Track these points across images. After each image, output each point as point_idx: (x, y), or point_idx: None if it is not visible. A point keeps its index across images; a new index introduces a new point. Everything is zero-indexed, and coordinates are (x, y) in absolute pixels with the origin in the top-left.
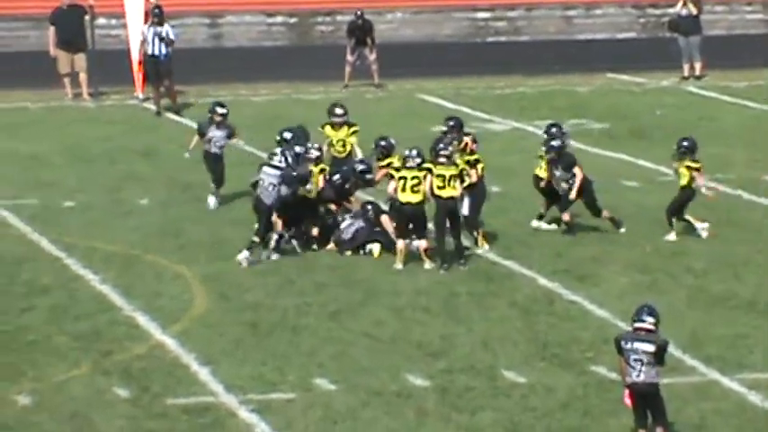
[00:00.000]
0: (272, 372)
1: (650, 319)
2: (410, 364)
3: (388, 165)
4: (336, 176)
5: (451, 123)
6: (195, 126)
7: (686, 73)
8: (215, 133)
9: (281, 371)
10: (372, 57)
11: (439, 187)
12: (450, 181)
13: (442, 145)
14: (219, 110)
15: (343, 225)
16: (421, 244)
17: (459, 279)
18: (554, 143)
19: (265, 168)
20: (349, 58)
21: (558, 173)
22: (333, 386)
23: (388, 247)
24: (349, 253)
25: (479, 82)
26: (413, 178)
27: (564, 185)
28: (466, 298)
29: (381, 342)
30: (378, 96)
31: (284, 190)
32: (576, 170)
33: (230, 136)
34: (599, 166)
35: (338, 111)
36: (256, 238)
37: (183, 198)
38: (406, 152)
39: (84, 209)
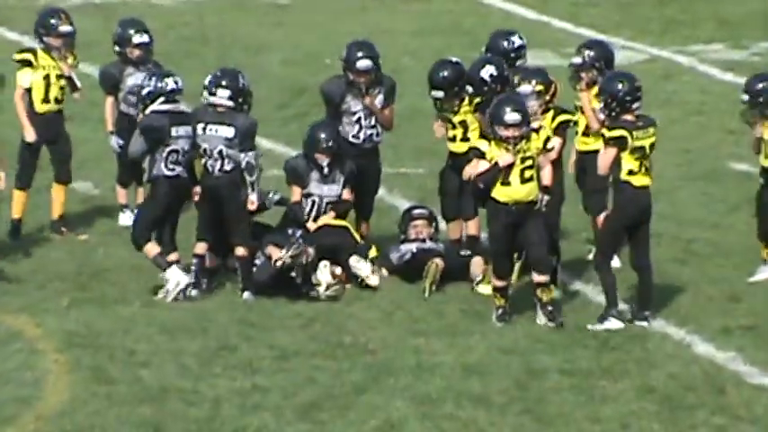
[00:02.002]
0: None
1: None
2: None
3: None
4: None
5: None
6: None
7: None
8: (138, 78)
9: None
10: None
11: (632, 172)
12: (647, 156)
13: (636, 83)
14: (137, 37)
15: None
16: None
17: (547, 344)
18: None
19: (213, 127)
20: None
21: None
22: None
23: None
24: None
25: None
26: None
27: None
28: (559, 379)
29: None
30: None
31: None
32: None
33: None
34: None
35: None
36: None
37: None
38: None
39: None
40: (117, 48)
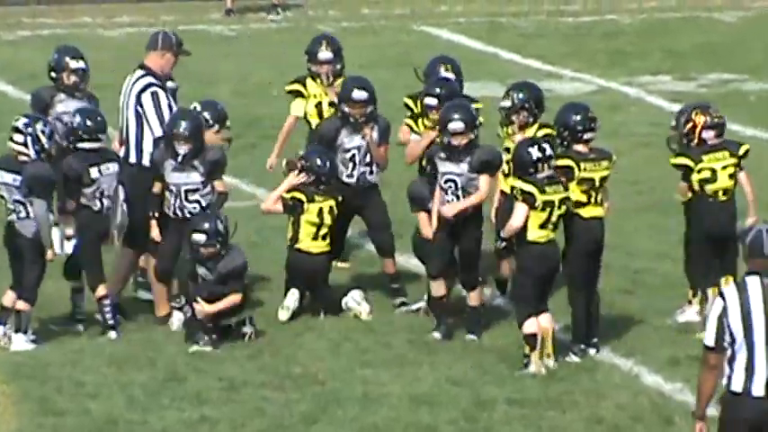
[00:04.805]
0: None
1: None
2: None
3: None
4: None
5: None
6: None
7: None
8: (68, 106)
9: None
10: None
11: (580, 203)
12: (599, 190)
13: (589, 114)
14: (73, 62)
15: None
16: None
17: (495, 375)
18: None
19: (181, 169)
20: None
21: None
22: None
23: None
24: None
25: (533, 5)
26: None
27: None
28: (507, 409)
29: None
30: (342, 27)
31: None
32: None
33: None
34: (761, 157)
35: None
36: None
37: None
38: None
39: None
40: (53, 74)
